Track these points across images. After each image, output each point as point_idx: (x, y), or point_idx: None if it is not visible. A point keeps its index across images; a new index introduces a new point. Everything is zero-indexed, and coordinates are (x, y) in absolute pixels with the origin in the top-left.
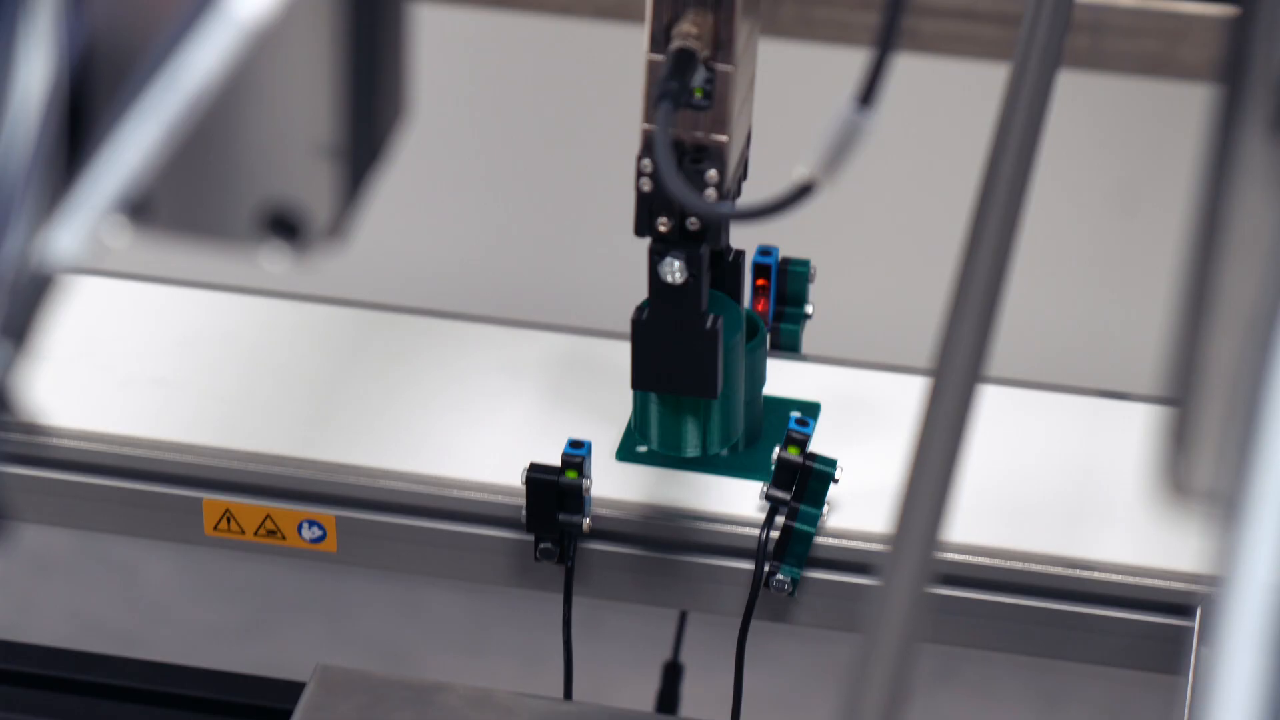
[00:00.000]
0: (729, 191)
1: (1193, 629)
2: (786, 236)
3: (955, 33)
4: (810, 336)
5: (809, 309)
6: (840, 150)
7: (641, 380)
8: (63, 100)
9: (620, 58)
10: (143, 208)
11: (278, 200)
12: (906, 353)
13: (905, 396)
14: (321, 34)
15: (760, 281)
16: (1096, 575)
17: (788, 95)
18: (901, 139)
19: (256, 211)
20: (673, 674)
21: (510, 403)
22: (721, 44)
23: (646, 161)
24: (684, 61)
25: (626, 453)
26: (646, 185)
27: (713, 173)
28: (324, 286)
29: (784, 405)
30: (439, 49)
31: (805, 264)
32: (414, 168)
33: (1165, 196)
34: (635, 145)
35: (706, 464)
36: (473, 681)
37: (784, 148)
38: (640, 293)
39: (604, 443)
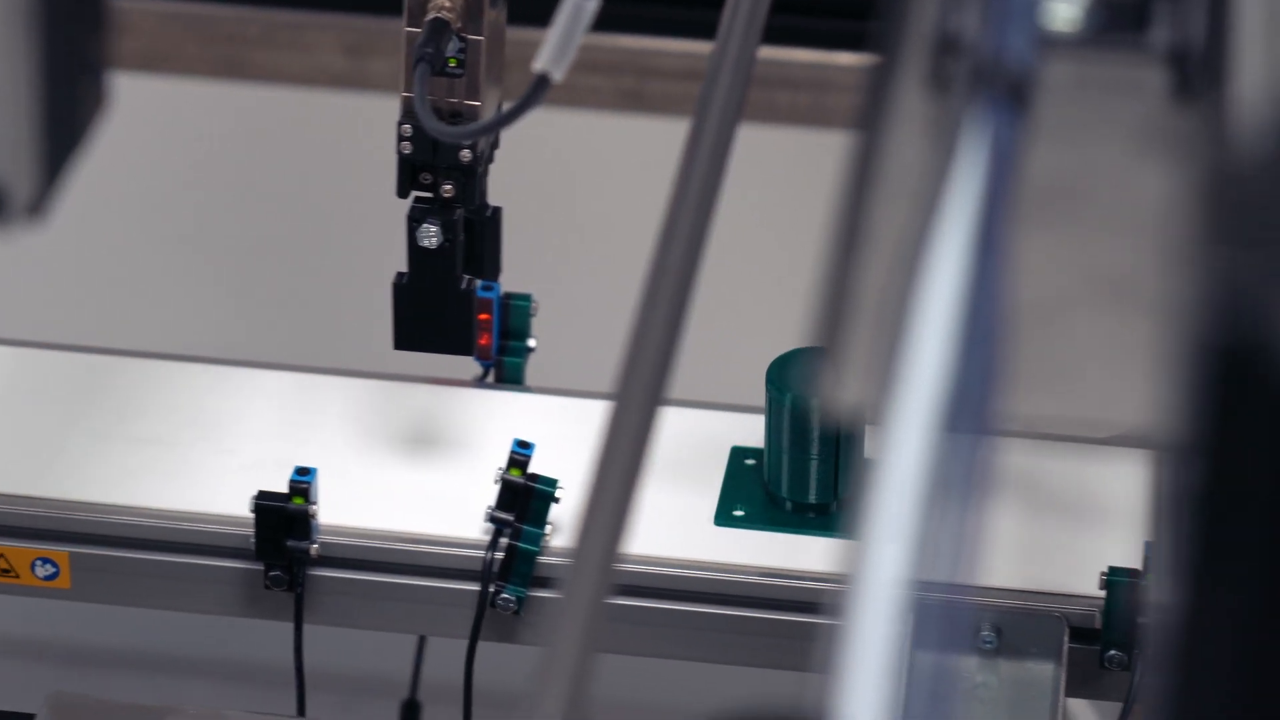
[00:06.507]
0: (483, 154)
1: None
2: (508, 275)
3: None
4: (534, 368)
5: (532, 342)
6: (568, 40)
7: (403, 341)
8: None
9: (358, 125)
10: None
11: None
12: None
13: None
14: (22, 17)
15: (483, 316)
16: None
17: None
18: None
19: None
20: (410, 713)
21: (242, 437)
22: (472, 16)
23: (407, 126)
24: (438, 30)
25: None
26: (407, 148)
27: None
28: (48, 333)
29: None
30: (171, 117)
31: (527, 299)
32: (149, 227)
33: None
34: (363, 207)
35: None
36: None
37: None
38: (349, 331)
39: (330, 471)
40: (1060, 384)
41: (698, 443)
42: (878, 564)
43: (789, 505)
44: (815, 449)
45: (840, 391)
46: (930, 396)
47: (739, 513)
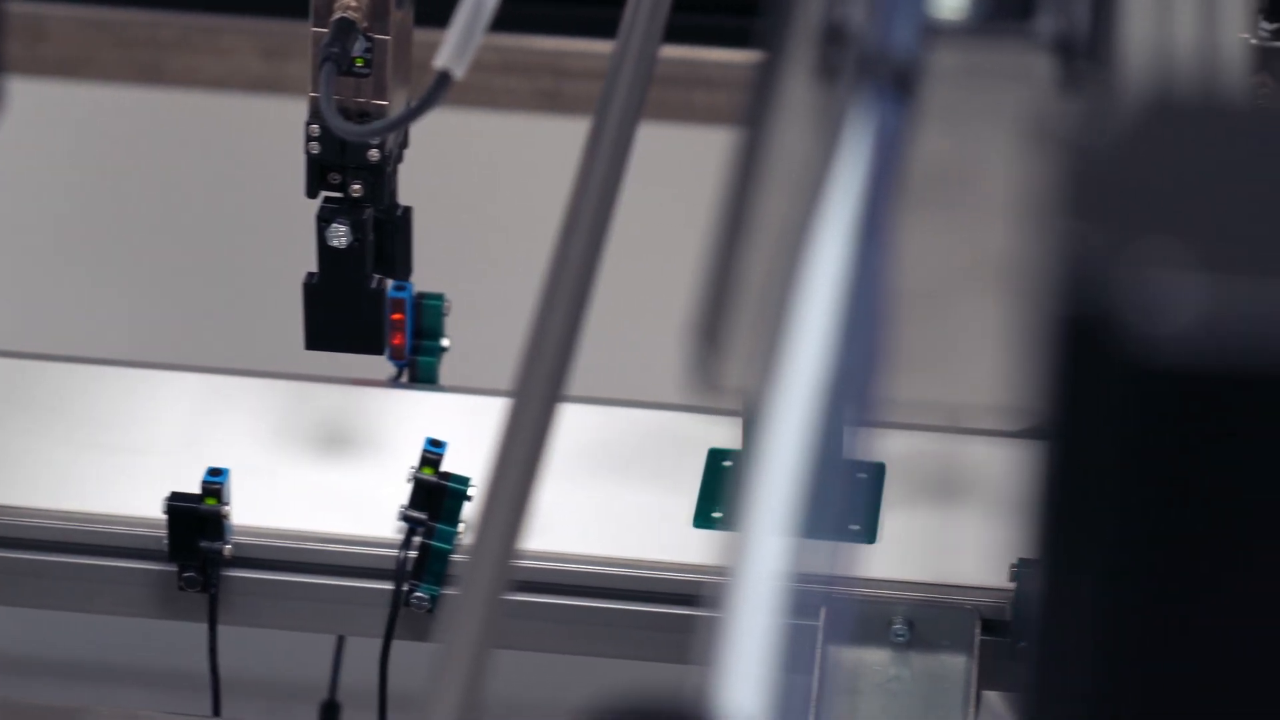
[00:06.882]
0: (391, 153)
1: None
2: (426, 275)
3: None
4: (448, 368)
5: (445, 342)
6: (469, 36)
7: (313, 341)
8: None
9: (275, 128)
10: None
11: None
12: None
13: None
14: None
15: (396, 316)
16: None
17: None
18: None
19: None
20: (329, 714)
21: (155, 439)
22: (378, 16)
23: (315, 126)
24: (344, 30)
25: None
26: (315, 148)
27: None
28: None
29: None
30: (89, 123)
31: (439, 298)
32: (67, 231)
33: None
34: (281, 209)
35: None
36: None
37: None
38: (268, 334)
39: (244, 472)
40: (944, 369)
41: (675, 445)
42: (758, 555)
43: None
44: None
45: (722, 378)
46: (813, 383)
47: (717, 515)
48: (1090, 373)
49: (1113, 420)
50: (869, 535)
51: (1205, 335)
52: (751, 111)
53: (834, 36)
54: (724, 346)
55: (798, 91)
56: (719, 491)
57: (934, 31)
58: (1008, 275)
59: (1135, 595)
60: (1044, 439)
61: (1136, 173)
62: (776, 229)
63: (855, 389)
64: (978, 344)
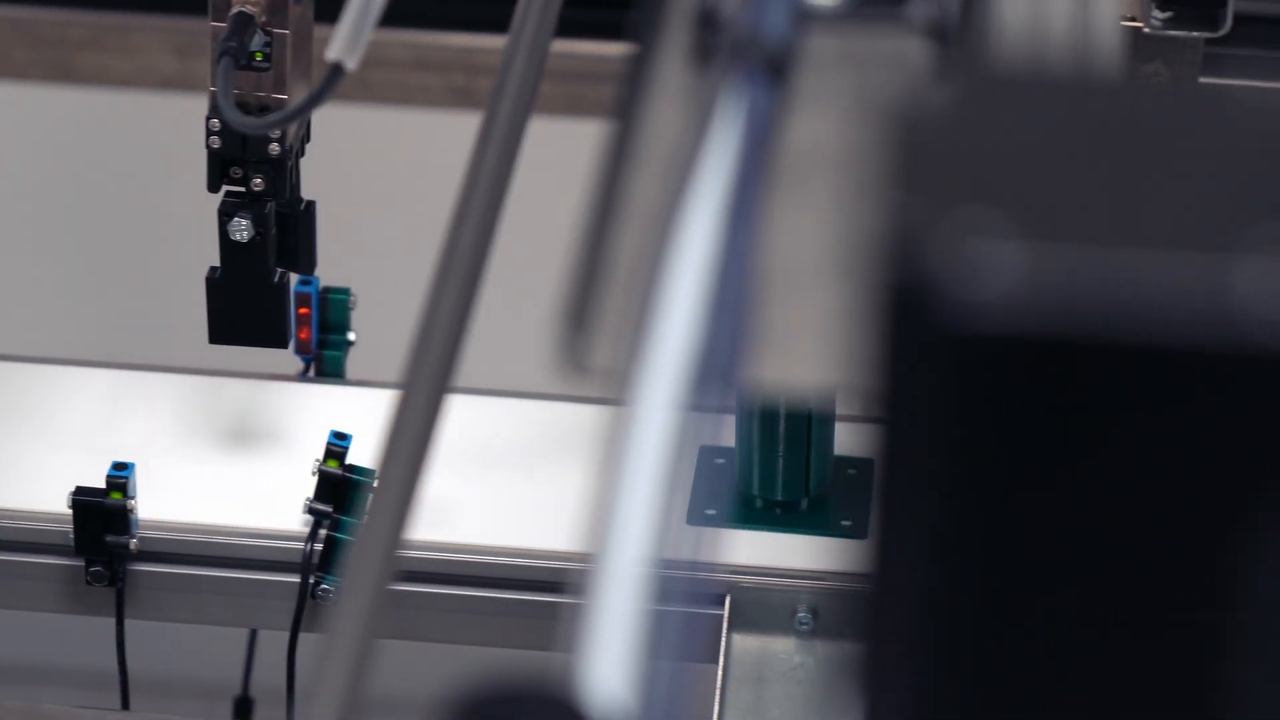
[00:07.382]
0: (292, 147)
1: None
2: (338, 270)
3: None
4: (354, 362)
5: (351, 336)
6: (360, 28)
7: (217, 335)
8: None
9: (187, 126)
10: None
11: None
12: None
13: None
14: None
15: (302, 310)
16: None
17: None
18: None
19: None
20: (243, 709)
21: (62, 434)
22: (276, 10)
23: (215, 121)
24: (242, 24)
25: None
26: (216, 143)
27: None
28: None
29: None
30: (3, 123)
31: (345, 292)
32: None
33: None
34: (191, 206)
35: None
36: None
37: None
38: (176, 329)
39: (151, 466)
40: (809, 351)
41: (557, 436)
42: (622, 537)
43: (759, 503)
44: (782, 446)
45: (587, 358)
46: (679, 363)
47: (711, 512)
48: (910, 340)
49: (932, 387)
50: (861, 531)
51: (1022, 302)
52: (624, 95)
53: (707, 21)
54: (592, 329)
55: (671, 75)
56: (712, 489)
57: (807, 16)
58: (855, 251)
59: (958, 565)
60: (876, 411)
61: (958, 142)
62: (647, 212)
63: (720, 369)
64: (842, 326)
